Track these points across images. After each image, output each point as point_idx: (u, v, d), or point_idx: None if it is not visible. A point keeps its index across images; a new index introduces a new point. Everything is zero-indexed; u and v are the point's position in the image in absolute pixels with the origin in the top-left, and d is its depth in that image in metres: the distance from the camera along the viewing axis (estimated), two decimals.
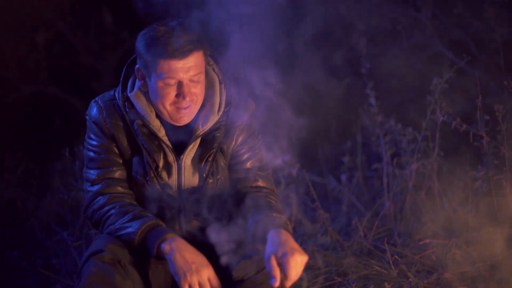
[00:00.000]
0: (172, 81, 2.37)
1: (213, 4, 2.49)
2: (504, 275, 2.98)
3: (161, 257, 2.36)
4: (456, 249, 3.23)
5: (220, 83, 2.51)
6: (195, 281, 2.29)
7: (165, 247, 2.33)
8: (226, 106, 2.50)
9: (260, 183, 2.54)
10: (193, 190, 2.51)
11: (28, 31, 5.74)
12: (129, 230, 2.37)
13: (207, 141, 2.49)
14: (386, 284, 3.02)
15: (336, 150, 5.48)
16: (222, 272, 2.38)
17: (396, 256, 3.23)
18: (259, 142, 2.58)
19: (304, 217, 4.21)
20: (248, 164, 2.55)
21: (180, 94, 2.39)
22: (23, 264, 3.84)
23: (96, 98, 2.54)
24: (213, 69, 2.52)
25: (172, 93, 2.39)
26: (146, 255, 2.43)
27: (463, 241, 3.30)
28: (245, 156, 2.55)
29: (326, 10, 5.43)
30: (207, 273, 2.31)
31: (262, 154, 2.58)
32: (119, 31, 6.04)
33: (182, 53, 2.34)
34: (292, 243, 2.27)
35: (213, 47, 2.53)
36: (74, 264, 3.63)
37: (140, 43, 2.40)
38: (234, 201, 2.60)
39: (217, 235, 2.57)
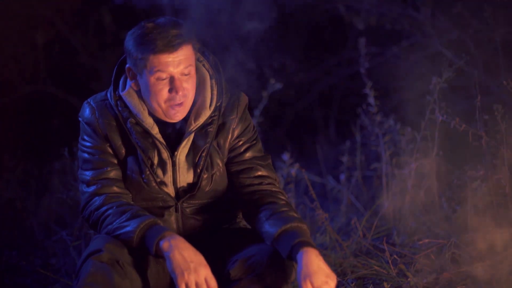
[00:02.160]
0: (164, 75, 2.38)
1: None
2: (504, 275, 2.98)
3: (160, 255, 2.35)
4: (455, 249, 3.23)
5: (211, 78, 2.51)
6: (192, 280, 2.28)
7: (164, 244, 2.33)
8: (218, 100, 2.50)
9: (262, 172, 2.53)
10: (189, 187, 2.51)
11: (28, 31, 5.74)
12: (127, 229, 2.37)
13: (201, 136, 2.49)
14: (385, 283, 3.02)
15: (335, 150, 5.48)
16: (219, 271, 2.37)
17: (395, 256, 3.23)
18: (255, 134, 2.59)
19: (303, 217, 4.21)
20: (247, 155, 2.54)
21: (172, 89, 2.39)
22: (22, 264, 3.84)
23: (88, 99, 2.54)
24: (204, 65, 2.53)
25: (164, 89, 2.40)
26: (144, 255, 2.43)
27: (462, 241, 3.30)
28: (243, 148, 2.54)
29: (325, 9, 5.43)
30: (205, 273, 2.31)
31: (259, 145, 2.59)
32: (118, 30, 6.04)
33: (172, 47, 2.36)
34: (324, 267, 2.30)
35: (202, 42, 2.53)
36: (73, 264, 3.63)
37: (129, 42, 2.41)
38: (233, 197, 2.59)
39: (215, 233, 2.57)
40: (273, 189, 2.52)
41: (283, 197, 2.52)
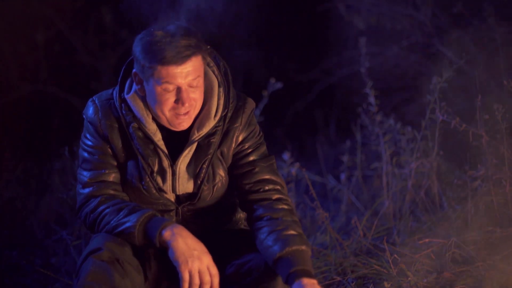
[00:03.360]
0: (171, 87, 2.34)
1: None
2: (504, 275, 2.98)
3: (163, 246, 2.33)
4: (456, 248, 3.22)
5: (219, 86, 2.46)
6: (196, 267, 2.27)
7: (166, 233, 2.31)
8: (223, 110, 2.45)
9: (263, 175, 2.49)
10: (189, 195, 2.49)
11: (28, 30, 5.74)
12: (128, 224, 2.35)
13: (203, 147, 2.45)
14: (385, 283, 3.02)
15: (336, 149, 5.49)
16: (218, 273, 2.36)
17: (395, 255, 3.23)
18: (260, 139, 2.54)
19: (303, 216, 4.21)
20: (250, 158, 2.50)
21: (179, 100, 2.35)
22: (22, 263, 3.84)
23: (94, 97, 2.51)
24: (213, 71, 2.48)
25: (170, 99, 2.35)
26: (144, 253, 2.42)
27: (462, 240, 3.30)
28: (248, 152, 2.50)
29: (325, 9, 5.43)
30: (207, 261, 2.30)
31: (263, 149, 2.54)
32: (118, 30, 6.04)
33: (181, 59, 2.30)
34: None
35: (213, 47, 2.49)
36: (73, 263, 3.63)
37: (137, 48, 2.35)
38: (235, 203, 2.58)
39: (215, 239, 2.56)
40: (274, 197, 2.47)
41: (282, 206, 2.45)
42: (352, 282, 3.16)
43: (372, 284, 3.09)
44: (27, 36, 5.75)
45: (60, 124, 5.80)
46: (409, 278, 3.03)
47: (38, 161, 5.16)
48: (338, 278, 3.19)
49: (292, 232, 2.38)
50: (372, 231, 3.60)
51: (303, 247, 2.35)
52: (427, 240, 3.40)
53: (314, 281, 2.28)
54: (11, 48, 5.71)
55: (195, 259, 2.28)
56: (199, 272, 2.28)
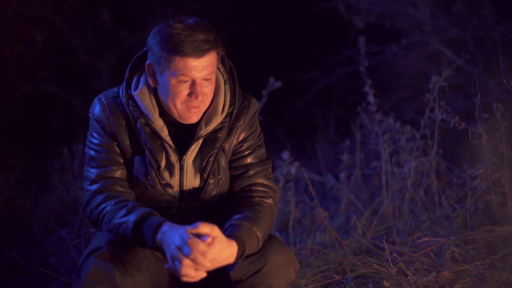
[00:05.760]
0: (186, 79, 2.36)
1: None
2: (503, 274, 2.98)
3: (160, 249, 2.33)
4: (455, 247, 3.23)
5: (225, 84, 2.49)
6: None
7: (159, 236, 2.29)
8: (230, 106, 2.48)
9: (256, 179, 2.52)
10: (195, 191, 2.50)
11: (27, 29, 5.74)
12: (125, 226, 2.36)
13: (209, 142, 2.48)
14: (385, 282, 3.02)
15: (335, 148, 5.49)
16: (219, 272, 2.36)
17: (394, 254, 3.23)
18: (259, 141, 2.57)
19: (302, 215, 4.21)
20: (247, 160, 2.53)
21: (192, 93, 2.37)
22: (22, 263, 3.84)
23: (100, 96, 2.51)
24: (218, 69, 2.50)
25: (184, 91, 2.37)
26: (146, 252, 2.43)
27: (462, 239, 3.31)
28: (245, 153, 2.53)
29: (325, 8, 5.44)
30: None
31: (262, 152, 2.57)
32: (117, 29, 6.04)
33: (199, 52, 2.32)
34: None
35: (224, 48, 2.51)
36: (72, 263, 3.63)
37: (154, 39, 2.36)
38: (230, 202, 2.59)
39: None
40: (263, 201, 2.49)
41: (264, 211, 2.47)
42: (352, 281, 3.16)
43: (371, 283, 3.09)
44: (26, 35, 5.75)
45: (59, 123, 5.80)
46: (409, 277, 3.04)
47: (37, 160, 5.17)
48: (338, 277, 3.20)
49: (249, 225, 2.39)
50: (371, 230, 3.60)
51: (258, 234, 2.37)
52: (426, 239, 3.41)
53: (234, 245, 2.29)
54: (10, 47, 5.71)
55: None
56: None
